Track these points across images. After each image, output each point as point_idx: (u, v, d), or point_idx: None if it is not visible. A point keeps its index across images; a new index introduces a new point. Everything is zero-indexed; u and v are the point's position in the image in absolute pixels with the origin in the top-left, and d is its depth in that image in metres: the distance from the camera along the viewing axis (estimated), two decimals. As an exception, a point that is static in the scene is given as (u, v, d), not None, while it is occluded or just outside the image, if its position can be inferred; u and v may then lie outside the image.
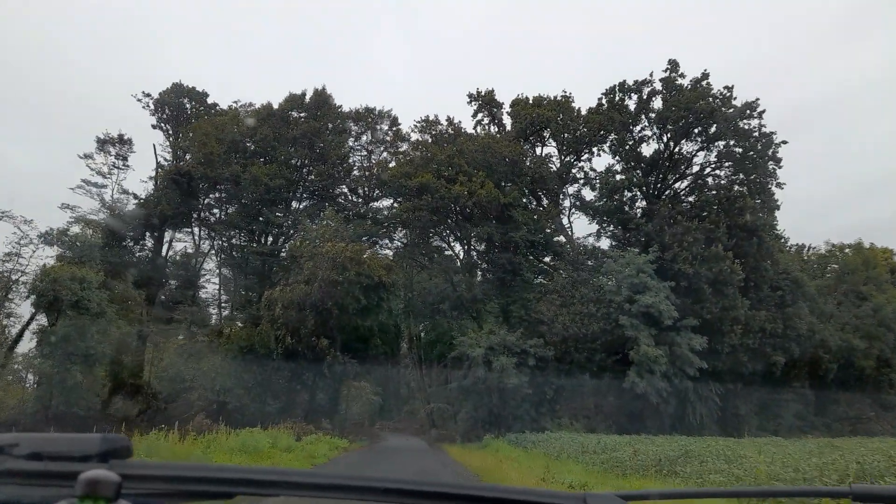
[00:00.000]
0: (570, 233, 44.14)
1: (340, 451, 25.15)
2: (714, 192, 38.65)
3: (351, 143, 43.35)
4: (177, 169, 37.52)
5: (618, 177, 40.37)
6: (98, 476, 0.96)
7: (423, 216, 37.09)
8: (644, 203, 40.71)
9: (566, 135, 46.37)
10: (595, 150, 45.68)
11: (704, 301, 36.19)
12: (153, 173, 39.95)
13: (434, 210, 37.22)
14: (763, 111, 39.56)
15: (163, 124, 43.22)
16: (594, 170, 43.48)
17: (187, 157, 39.02)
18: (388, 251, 40.89)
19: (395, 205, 37.54)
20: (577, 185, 46.53)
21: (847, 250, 51.24)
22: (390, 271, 33.38)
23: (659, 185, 41.74)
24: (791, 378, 41.39)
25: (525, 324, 37.72)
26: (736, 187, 38.62)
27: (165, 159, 40.00)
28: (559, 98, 45.38)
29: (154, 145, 42.27)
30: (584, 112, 44.31)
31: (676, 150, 40.16)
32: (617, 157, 41.19)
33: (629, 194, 40.50)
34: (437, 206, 37.13)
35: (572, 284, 37.16)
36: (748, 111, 39.17)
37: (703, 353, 35.42)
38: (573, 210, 45.36)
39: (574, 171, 46.72)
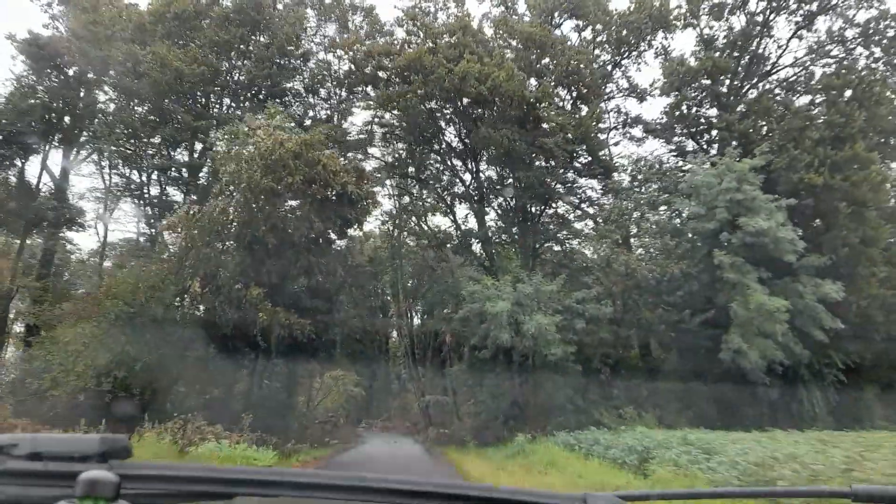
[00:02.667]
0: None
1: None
2: (837, 74, 26.68)
3: (310, 33, 31.01)
4: (41, 44, 25.16)
5: (691, 61, 28.39)
6: (97, 476, 0.97)
7: (412, 107, 25.04)
8: (725, 99, 28.74)
9: (602, 31, 34.58)
10: (643, 48, 33.88)
11: (836, 228, 24.45)
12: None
13: (428, 98, 25.21)
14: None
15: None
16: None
17: (60, 28, 26.72)
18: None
19: (372, 94, 25.38)
20: (620, 96, 34.77)
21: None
22: (362, 179, 21.34)
23: (747, 78, 29.77)
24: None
25: (565, 272, 25.89)
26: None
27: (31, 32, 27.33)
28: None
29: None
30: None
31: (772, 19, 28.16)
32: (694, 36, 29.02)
33: (707, 84, 28.48)
34: (434, 93, 25.10)
35: (635, 209, 25.29)
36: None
37: (836, 308, 23.89)
38: (617, 128, 33.56)
39: (616, 77, 34.93)
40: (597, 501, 1.14)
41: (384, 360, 51.64)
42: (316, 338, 24.33)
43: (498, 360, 25.89)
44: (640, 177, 27.22)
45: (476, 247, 28.60)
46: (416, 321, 43.09)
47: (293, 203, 20.54)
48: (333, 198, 20.26)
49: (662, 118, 31.66)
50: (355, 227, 22.50)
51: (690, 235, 24.47)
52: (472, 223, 28.34)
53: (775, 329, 22.36)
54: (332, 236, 22.04)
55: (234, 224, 20.26)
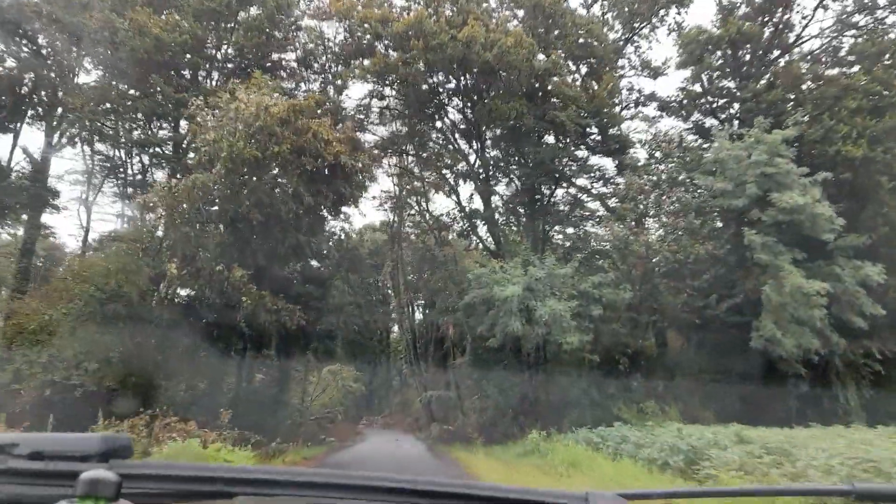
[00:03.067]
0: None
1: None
2: (872, 40, 24.57)
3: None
4: (6, 8, 23.14)
5: (713, 30, 26.30)
6: (98, 476, 0.97)
7: (412, 77, 23.01)
8: (749, 69, 26.67)
9: (613, 5, 32.64)
10: (656, 23, 31.90)
11: (876, 204, 22.43)
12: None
13: (430, 68, 23.17)
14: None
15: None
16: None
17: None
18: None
19: (366, 64, 23.31)
20: (633, 74, 32.73)
21: None
22: (357, 150, 19.32)
23: (770, 50, 27.69)
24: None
25: (579, 255, 23.88)
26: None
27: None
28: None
29: None
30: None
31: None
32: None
33: (729, 54, 26.39)
34: (436, 62, 23.06)
35: (655, 186, 23.26)
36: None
37: (874, 293, 21.91)
38: (629, 107, 31.47)
39: (628, 53, 32.93)
40: (599, 500, 1.12)
41: (385, 354, 49.73)
42: (308, 326, 22.40)
43: (506, 351, 23.94)
44: (657, 154, 25.19)
45: (482, 230, 26.66)
46: (418, 316, 41.20)
47: (280, 176, 18.54)
48: (325, 170, 18.30)
49: (678, 95, 29.67)
50: (350, 203, 20.50)
51: (716, 214, 22.43)
52: (478, 204, 26.43)
53: (813, 315, 20.36)
54: (325, 214, 20.04)
55: (216, 199, 18.27)
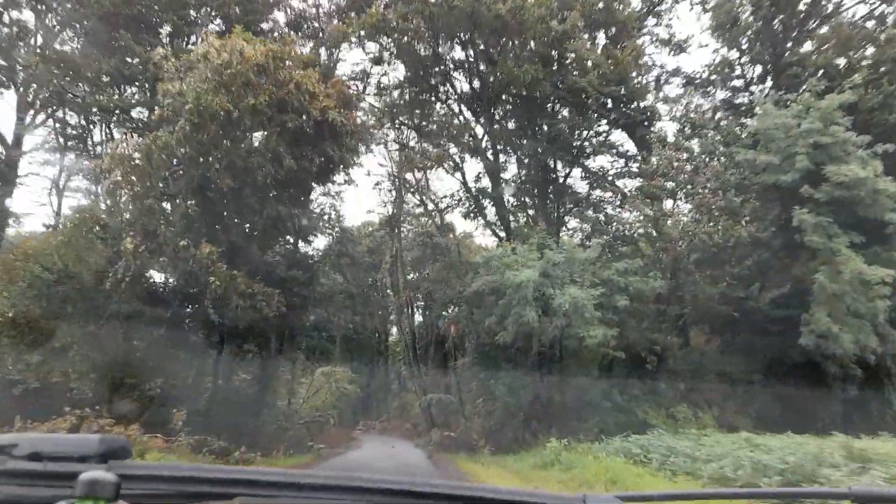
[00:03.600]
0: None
1: None
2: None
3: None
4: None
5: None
6: (97, 476, 0.97)
7: (412, 33, 20.22)
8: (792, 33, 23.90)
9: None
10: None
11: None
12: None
13: (433, 23, 20.37)
14: None
15: None
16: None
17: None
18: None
19: (361, 19, 20.44)
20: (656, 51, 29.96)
21: None
22: (349, 106, 16.54)
23: (809, 18, 24.90)
24: None
25: (603, 239, 21.10)
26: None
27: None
28: None
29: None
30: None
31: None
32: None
33: (762, 18, 23.59)
34: (441, 18, 20.29)
35: (689, 160, 20.48)
36: None
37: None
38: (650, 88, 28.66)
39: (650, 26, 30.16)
40: (596, 503, 1.12)
41: (383, 355, 46.92)
42: (292, 317, 19.62)
43: (515, 348, 21.15)
44: (686, 129, 22.42)
45: (490, 211, 23.86)
46: (418, 319, 38.58)
47: (257, 134, 15.76)
48: (310, 129, 15.48)
49: (704, 71, 26.92)
50: (341, 170, 17.67)
51: (757, 192, 19.65)
52: (485, 184, 23.60)
53: (875, 307, 17.62)
54: (311, 183, 17.24)
55: (181, 162, 15.49)
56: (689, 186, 19.88)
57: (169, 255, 15.87)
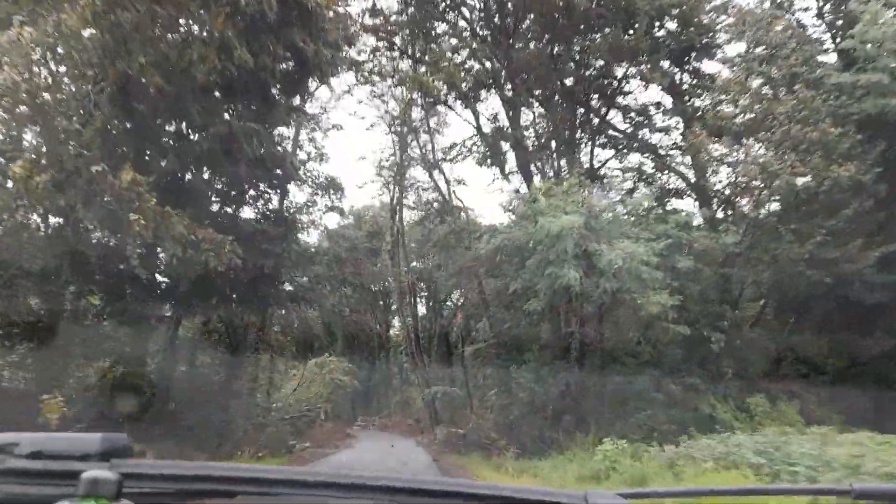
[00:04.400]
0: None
1: None
2: None
3: None
4: None
5: None
6: (99, 475, 0.97)
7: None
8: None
9: None
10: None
11: None
12: None
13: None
14: None
15: None
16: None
17: None
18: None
19: None
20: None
21: None
22: (324, -14, 12.07)
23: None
24: None
25: (651, 188, 16.69)
26: None
27: None
28: None
29: None
30: None
31: None
32: None
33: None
34: None
35: (767, 83, 16.04)
36: None
37: None
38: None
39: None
40: (599, 499, 1.11)
41: (383, 346, 42.84)
42: (260, 282, 15.29)
43: (544, 322, 16.86)
44: (759, 50, 17.99)
45: (509, 157, 19.35)
46: (422, 311, 34.70)
47: (198, 16, 11.33)
48: (271, 9, 11.05)
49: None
50: (317, 75, 13.20)
51: (862, 122, 15.23)
52: (503, 121, 19.11)
53: None
54: (275, 90, 12.79)
55: (92, 55, 11.12)
56: (766, 115, 15.48)
57: (81, 185, 11.51)
